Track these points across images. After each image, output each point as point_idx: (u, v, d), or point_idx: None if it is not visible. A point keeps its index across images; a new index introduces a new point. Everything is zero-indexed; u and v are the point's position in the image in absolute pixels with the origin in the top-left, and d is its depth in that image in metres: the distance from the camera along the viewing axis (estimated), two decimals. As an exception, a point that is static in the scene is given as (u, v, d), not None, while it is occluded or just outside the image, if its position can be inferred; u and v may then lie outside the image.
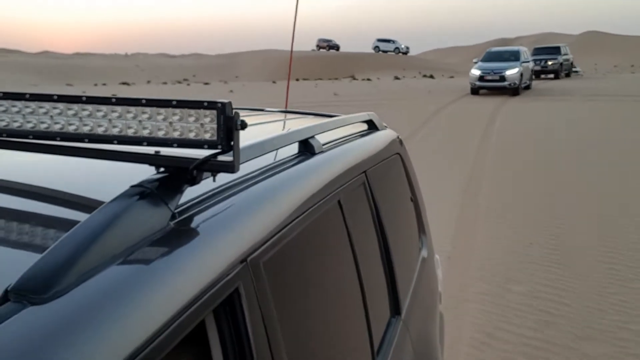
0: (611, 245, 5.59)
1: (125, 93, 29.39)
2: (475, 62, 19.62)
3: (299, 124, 1.65)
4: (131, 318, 0.65)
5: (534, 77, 21.32)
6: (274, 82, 38.69)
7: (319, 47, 70.04)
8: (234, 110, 0.87)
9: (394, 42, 65.62)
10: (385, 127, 2.33)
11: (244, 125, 0.87)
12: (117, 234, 0.73)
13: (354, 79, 43.65)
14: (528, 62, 19.64)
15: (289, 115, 2.44)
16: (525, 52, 19.94)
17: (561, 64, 26.53)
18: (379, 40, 66.22)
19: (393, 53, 64.36)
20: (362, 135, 2.00)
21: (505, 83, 17.89)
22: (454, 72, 49.41)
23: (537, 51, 25.92)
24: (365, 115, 2.13)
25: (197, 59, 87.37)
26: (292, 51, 2.96)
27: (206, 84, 39.62)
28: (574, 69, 30.71)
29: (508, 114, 14.46)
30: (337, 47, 70.37)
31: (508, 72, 17.92)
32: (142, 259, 0.74)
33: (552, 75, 25.93)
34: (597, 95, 18.53)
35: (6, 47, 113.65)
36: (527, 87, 19.14)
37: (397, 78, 42.40)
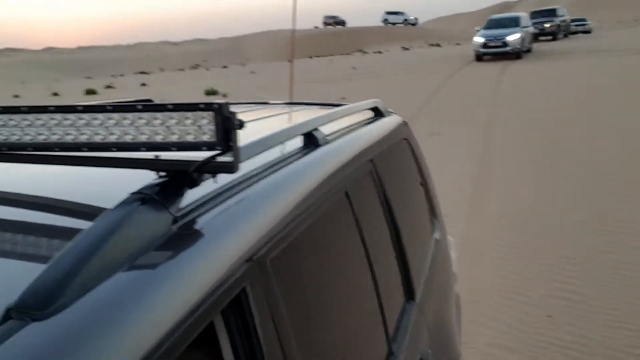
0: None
1: (147, 80, 29.33)
2: (478, 30, 20.68)
3: (302, 117, 1.63)
4: (137, 325, 0.65)
5: (533, 40, 22.70)
6: (289, 60, 39.94)
7: (325, 24, 70.87)
8: (231, 110, 0.86)
9: (402, 14, 66.28)
10: (392, 112, 2.30)
11: (241, 125, 0.87)
12: (119, 242, 0.73)
13: (365, 52, 43.97)
14: (528, 27, 20.77)
15: (293, 107, 2.42)
16: (525, 17, 21.17)
17: (558, 25, 27.51)
18: (388, 12, 66.81)
19: (402, 25, 64.87)
20: (368, 123, 1.98)
21: (508, 48, 19.09)
22: (460, 39, 50.59)
23: (535, 15, 27.05)
24: (371, 102, 2.10)
25: (200, 44, 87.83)
26: (294, 31, 2.97)
27: (224, 67, 39.96)
28: (583, 24, 32.99)
29: (514, 72, 16.55)
30: (343, 23, 71.27)
31: (510, 38, 19.01)
32: (145, 265, 0.74)
33: (550, 37, 27.06)
34: (593, 52, 20.43)
35: (11, 46, 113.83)
36: (529, 51, 20.41)
37: (405, 49, 42.44)
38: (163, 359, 0.65)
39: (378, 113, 2.17)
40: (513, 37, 19.02)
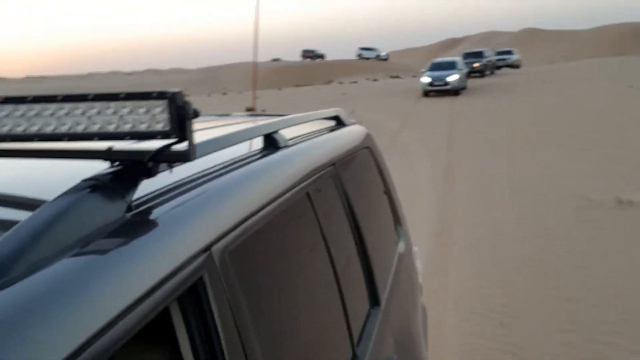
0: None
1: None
2: (424, 72, 25.64)
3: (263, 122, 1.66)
4: (83, 307, 0.63)
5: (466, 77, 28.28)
6: (279, 89, 43.71)
7: (305, 57, 76.28)
8: (185, 100, 0.86)
9: (374, 50, 73.51)
10: (354, 122, 2.33)
11: (196, 114, 0.86)
12: (68, 226, 0.72)
13: (342, 82, 47.44)
14: (463, 69, 25.93)
15: (256, 117, 2.44)
16: (460, 61, 26.74)
17: (485, 64, 33.53)
18: (362, 48, 73.96)
19: (374, 59, 71.34)
20: (330, 131, 2.00)
21: (449, 86, 23.91)
22: (414, 72, 56.04)
23: (466, 56, 33.23)
24: (332, 111, 2.13)
25: (178, 73, 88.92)
26: (255, 60, 3.04)
27: (224, 94, 42.37)
28: (505, 58, 41.08)
29: (456, 103, 22.23)
30: (322, 56, 76.61)
31: (450, 79, 24.02)
32: (96, 250, 0.73)
33: (479, 74, 32.82)
34: (508, 86, 26.74)
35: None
36: (464, 88, 25.55)
37: (375, 80, 46.49)
38: (110, 343, 0.64)
39: (339, 122, 2.19)
40: (453, 78, 24.02)
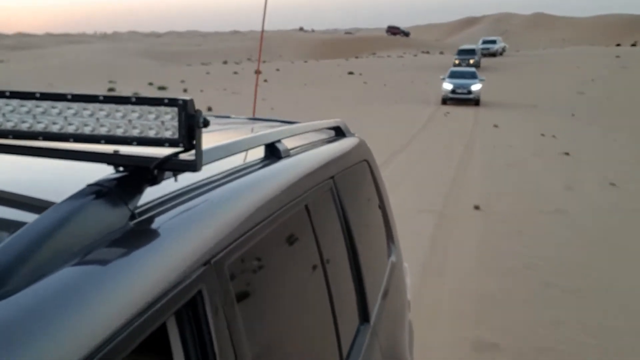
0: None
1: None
2: (443, 79, 24.52)
3: (265, 130, 1.64)
4: (85, 318, 0.62)
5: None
6: (356, 57, 53.71)
7: (390, 32, 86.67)
8: (196, 108, 0.84)
9: (399, 28, 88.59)
10: (353, 134, 2.31)
11: (206, 123, 0.84)
12: (71, 233, 0.70)
13: (380, 56, 55.57)
14: (483, 79, 25.69)
15: (256, 122, 2.43)
16: (476, 72, 25.83)
17: (476, 59, 38.28)
18: (390, 26, 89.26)
19: (399, 35, 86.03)
20: (330, 142, 1.99)
21: (471, 95, 23.04)
22: (440, 48, 66.36)
23: (460, 52, 37.46)
24: (333, 122, 2.12)
25: (221, 40, 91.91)
26: (262, 36, 3.18)
27: (305, 61, 47.04)
28: (488, 48, 48.68)
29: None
30: (408, 34, 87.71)
31: (474, 87, 23.15)
32: (98, 259, 0.72)
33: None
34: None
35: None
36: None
37: (414, 55, 54.76)
38: (111, 355, 0.63)
39: (340, 133, 2.18)
40: (476, 87, 23.09)
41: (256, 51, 55.84)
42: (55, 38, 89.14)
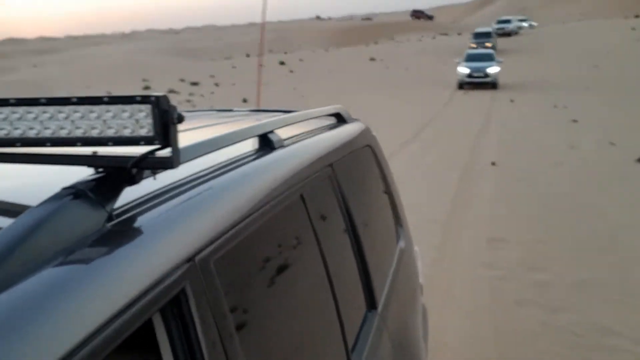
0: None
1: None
2: (458, 62, 23.94)
3: (259, 120, 1.60)
4: (62, 320, 0.63)
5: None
6: (375, 42, 55.27)
7: (415, 17, 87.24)
8: (170, 103, 0.83)
9: (423, 12, 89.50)
10: (355, 119, 2.29)
11: (180, 119, 0.83)
12: (46, 237, 0.70)
13: (399, 41, 56.76)
14: (500, 61, 24.70)
15: (258, 114, 2.41)
16: (494, 54, 24.84)
17: (494, 43, 38.00)
18: (415, 10, 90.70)
19: (423, 19, 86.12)
20: (329, 129, 1.97)
21: (489, 79, 22.47)
22: (457, 29, 67.49)
23: (476, 36, 37.08)
24: (332, 108, 2.09)
25: (241, 34, 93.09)
26: (263, 23, 3.32)
27: (326, 50, 48.87)
28: (503, 28, 50.13)
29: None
30: (432, 17, 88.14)
31: (490, 70, 22.47)
32: (75, 261, 0.71)
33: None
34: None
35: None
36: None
37: (433, 38, 55.92)
38: (92, 354, 0.63)
39: (340, 119, 2.15)
40: (493, 70, 22.43)
41: (275, 43, 57.49)
42: (77, 40, 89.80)
